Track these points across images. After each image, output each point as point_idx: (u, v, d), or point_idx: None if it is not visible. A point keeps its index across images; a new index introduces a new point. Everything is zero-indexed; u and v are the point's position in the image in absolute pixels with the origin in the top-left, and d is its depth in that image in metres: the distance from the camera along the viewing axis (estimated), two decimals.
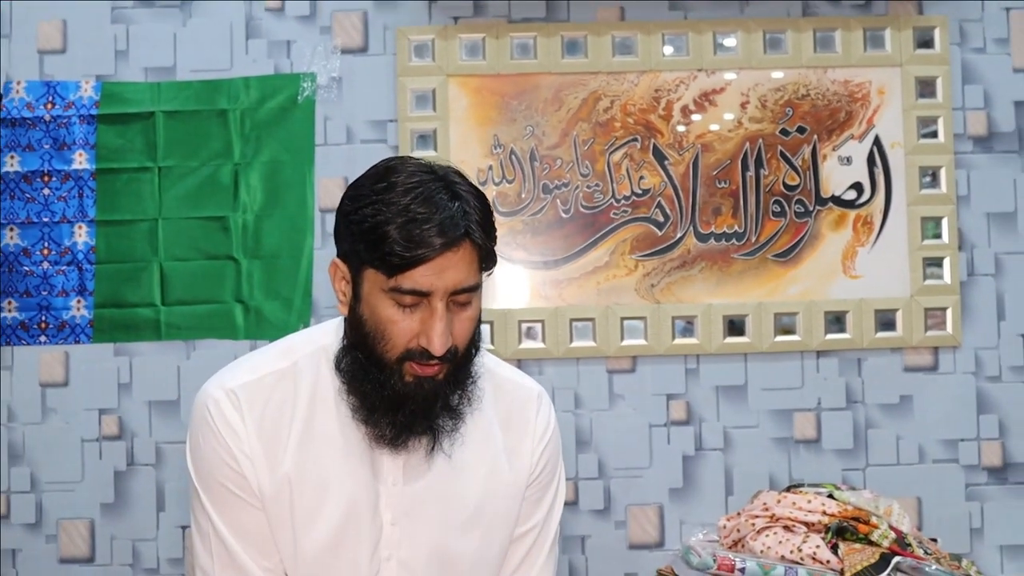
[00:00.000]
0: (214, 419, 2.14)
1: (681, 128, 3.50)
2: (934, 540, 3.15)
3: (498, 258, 2.17)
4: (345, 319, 2.16)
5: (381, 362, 2.07)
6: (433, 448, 2.13)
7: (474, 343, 2.15)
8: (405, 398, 2.06)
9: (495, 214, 2.13)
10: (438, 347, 2.01)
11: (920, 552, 2.93)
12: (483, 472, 2.22)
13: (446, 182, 2.06)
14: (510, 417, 2.28)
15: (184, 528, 3.36)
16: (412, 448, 2.12)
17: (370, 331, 2.07)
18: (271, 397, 2.16)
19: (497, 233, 2.15)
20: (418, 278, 2.00)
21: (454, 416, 2.13)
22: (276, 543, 2.17)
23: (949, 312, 3.49)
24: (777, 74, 3.51)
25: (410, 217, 2.01)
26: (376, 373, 2.08)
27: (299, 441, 2.15)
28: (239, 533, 2.16)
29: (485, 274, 2.12)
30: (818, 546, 2.91)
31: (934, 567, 2.86)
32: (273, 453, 2.14)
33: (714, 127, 3.51)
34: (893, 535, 2.94)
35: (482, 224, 2.07)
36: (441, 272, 2.01)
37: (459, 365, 2.11)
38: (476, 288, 2.07)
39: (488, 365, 2.29)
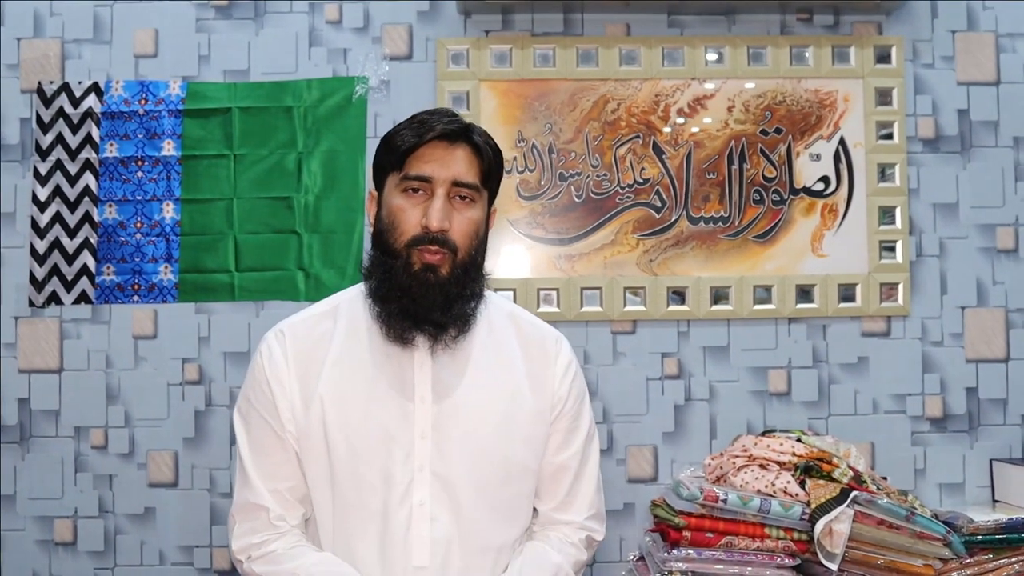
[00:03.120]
0: (262, 355, 2.23)
1: (676, 127, 3.49)
2: (885, 478, 3.17)
3: (499, 189, 2.30)
4: (372, 237, 2.23)
5: (394, 250, 2.13)
6: (434, 347, 2.16)
7: (476, 254, 2.20)
8: (411, 285, 2.10)
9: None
10: (435, 222, 2.08)
11: (873, 488, 2.95)
12: (506, 394, 2.22)
13: (459, 115, 2.22)
14: (530, 352, 2.29)
15: None
16: (416, 345, 2.16)
17: (386, 226, 2.15)
18: (311, 332, 2.24)
19: (503, 176, 2.30)
20: (422, 165, 2.13)
21: (457, 319, 2.16)
22: (306, 460, 2.18)
23: (900, 287, 3.49)
24: (758, 83, 3.51)
25: (419, 119, 2.16)
26: (391, 261, 2.13)
27: (332, 365, 2.19)
28: (257, 452, 2.20)
29: (487, 192, 2.23)
30: (788, 482, 2.92)
31: (885, 500, 2.87)
32: (308, 377, 2.18)
33: (704, 127, 3.50)
34: (851, 473, 2.96)
35: (486, 141, 2.19)
36: (442, 162, 2.13)
37: (462, 269, 2.15)
38: (474, 189, 2.16)
39: (509, 308, 2.36)
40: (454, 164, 2.13)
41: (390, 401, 2.16)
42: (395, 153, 2.15)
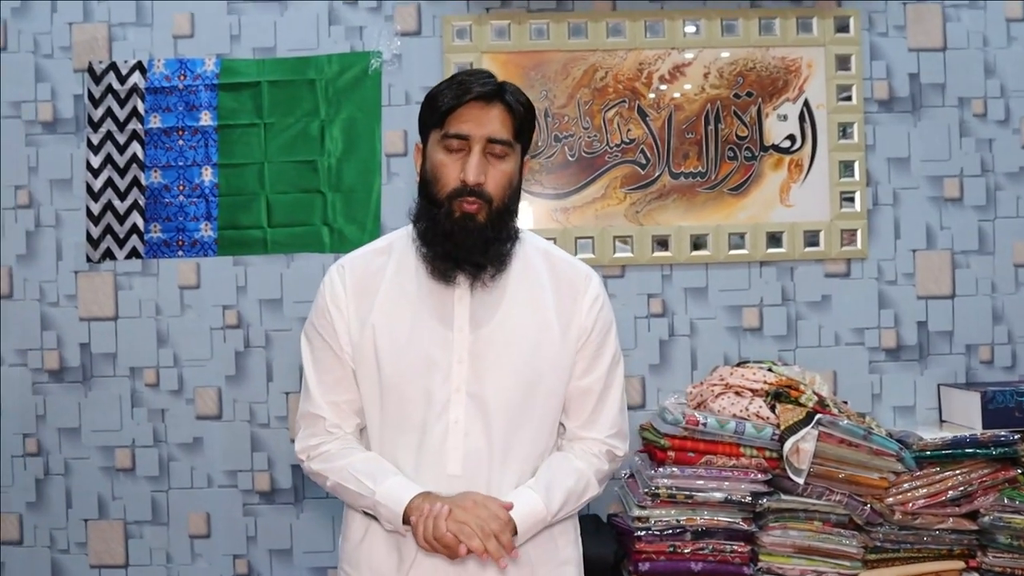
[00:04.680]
0: (326, 286, 2.23)
1: (659, 92, 3.49)
2: (845, 402, 3.24)
3: (532, 139, 2.24)
4: (418, 186, 2.19)
5: (437, 200, 2.11)
6: (474, 285, 2.14)
7: (510, 201, 2.16)
8: (453, 231, 2.09)
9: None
10: (471, 176, 2.07)
11: (835, 411, 3.03)
12: (535, 327, 2.19)
13: (495, 76, 2.16)
14: (560, 287, 2.24)
15: (287, 394, 3.47)
16: (458, 283, 2.15)
17: (430, 178, 2.13)
18: (368, 266, 2.23)
19: (535, 127, 2.23)
20: (460, 124, 2.09)
21: (494, 260, 2.14)
22: (360, 378, 2.19)
23: (859, 232, 3.50)
24: (731, 51, 3.50)
25: (458, 80, 2.12)
26: (434, 211, 2.12)
27: (384, 297, 2.19)
28: (319, 370, 2.23)
29: (520, 146, 2.17)
30: (760, 407, 2.99)
31: (845, 421, 2.95)
32: (363, 306, 2.19)
33: (683, 91, 3.49)
34: (816, 398, 3.02)
35: (519, 100, 2.14)
36: (478, 121, 2.09)
37: (497, 215, 2.13)
38: (508, 144, 2.12)
39: (544, 246, 2.30)
40: (489, 123, 2.10)
41: (432, 329, 2.16)
42: (436, 112, 2.12)
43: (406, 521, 2.07)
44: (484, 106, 2.11)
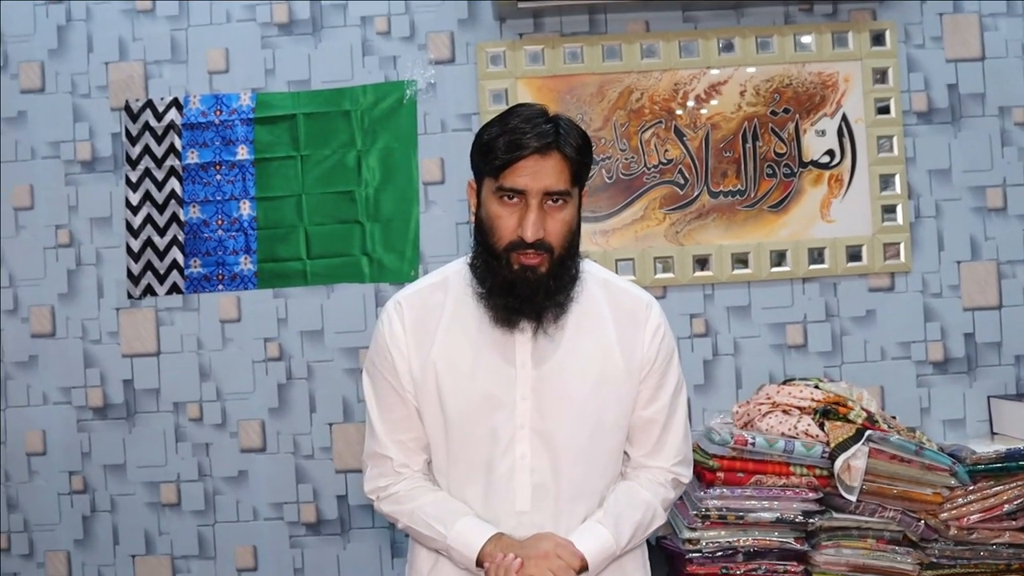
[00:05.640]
0: (383, 324, 2.22)
1: (695, 112, 3.48)
2: (894, 417, 3.19)
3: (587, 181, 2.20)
4: (474, 228, 2.18)
5: (495, 251, 2.09)
6: (537, 331, 2.12)
7: (570, 246, 2.13)
8: (513, 283, 2.08)
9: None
10: (530, 234, 2.04)
11: (885, 426, 2.99)
12: (598, 359, 2.18)
13: (550, 116, 2.10)
14: (622, 317, 2.22)
15: (331, 425, 3.46)
16: (521, 329, 2.12)
17: (486, 228, 2.11)
18: (425, 302, 2.22)
19: (592, 163, 2.19)
20: (516, 178, 2.05)
21: (556, 306, 2.12)
22: (423, 415, 2.19)
23: (902, 246, 3.47)
24: (766, 68, 3.49)
25: (512, 129, 2.07)
26: (492, 261, 2.10)
27: (445, 334, 2.17)
28: (382, 409, 2.22)
29: (577, 189, 2.13)
30: (809, 424, 2.95)
31: (896, 437, 2.92)
32: (423, 344, 2.18)
33: (719, 110, 3.48)
34: (865, 414, 2.98)
35: (575, 146, 2.09)
36: (534, 174, 2.04)
37: (559, 263, 2.10)
38: (566, 194, 2.08)
39: (603, 275, 2.28)
40: (545, 176, 2.06)
41: (494, 367, 2.15)
42: (490, 164, 2.09)
43: (479, 564, 2.10)
44: (540, 159, 2.06)
